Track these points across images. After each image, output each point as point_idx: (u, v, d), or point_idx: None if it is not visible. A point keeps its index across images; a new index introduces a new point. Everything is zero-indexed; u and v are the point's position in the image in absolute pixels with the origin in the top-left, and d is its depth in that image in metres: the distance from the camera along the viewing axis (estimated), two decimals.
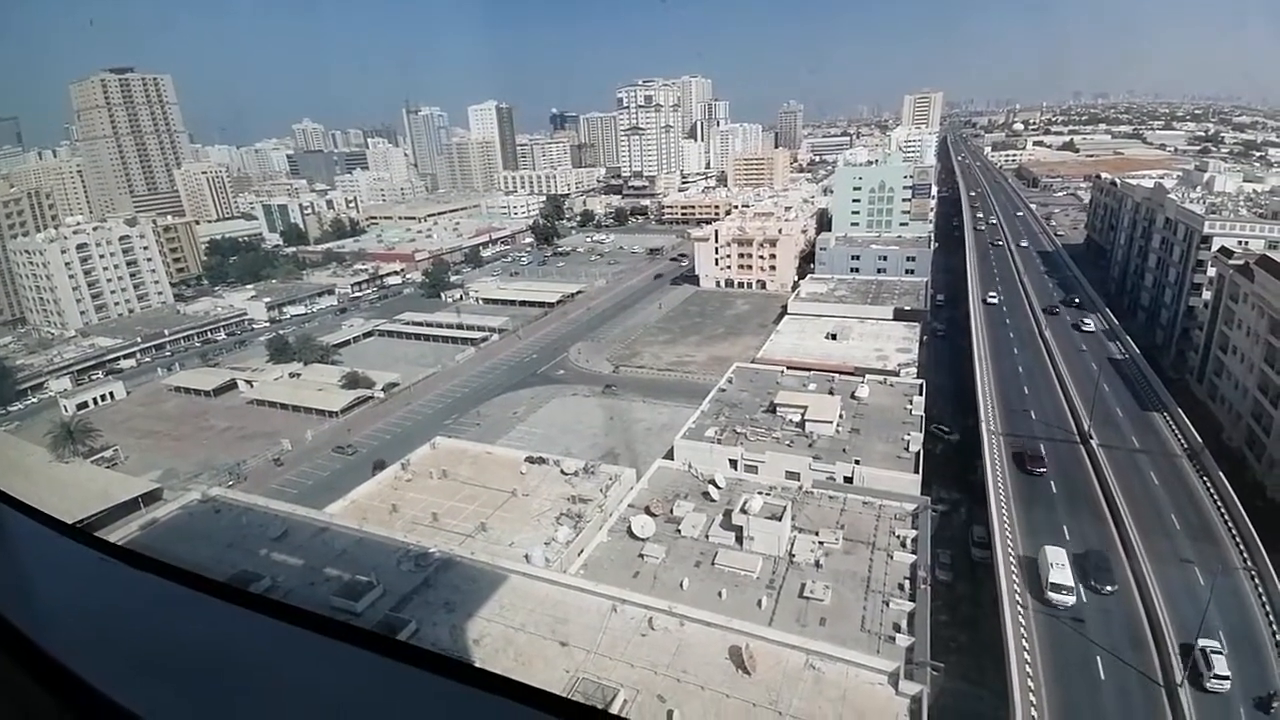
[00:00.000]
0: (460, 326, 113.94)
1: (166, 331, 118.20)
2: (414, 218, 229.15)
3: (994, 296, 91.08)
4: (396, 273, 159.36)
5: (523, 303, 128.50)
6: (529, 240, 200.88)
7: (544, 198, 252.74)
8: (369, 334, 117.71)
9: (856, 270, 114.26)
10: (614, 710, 25.26)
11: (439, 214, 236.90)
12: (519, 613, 31.10)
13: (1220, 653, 30.92)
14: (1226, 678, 30.01)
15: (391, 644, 2.10)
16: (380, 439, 77.11)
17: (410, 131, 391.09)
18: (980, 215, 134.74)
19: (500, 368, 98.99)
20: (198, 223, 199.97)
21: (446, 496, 46.77)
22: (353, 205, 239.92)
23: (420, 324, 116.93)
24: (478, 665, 2.40)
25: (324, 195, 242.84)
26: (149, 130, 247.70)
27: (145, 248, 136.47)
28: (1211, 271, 69.63)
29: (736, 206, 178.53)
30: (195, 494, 44.79)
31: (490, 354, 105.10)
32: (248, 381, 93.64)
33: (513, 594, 32.45)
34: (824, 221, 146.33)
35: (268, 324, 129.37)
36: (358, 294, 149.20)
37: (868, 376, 63.71)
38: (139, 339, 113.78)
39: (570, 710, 1.87)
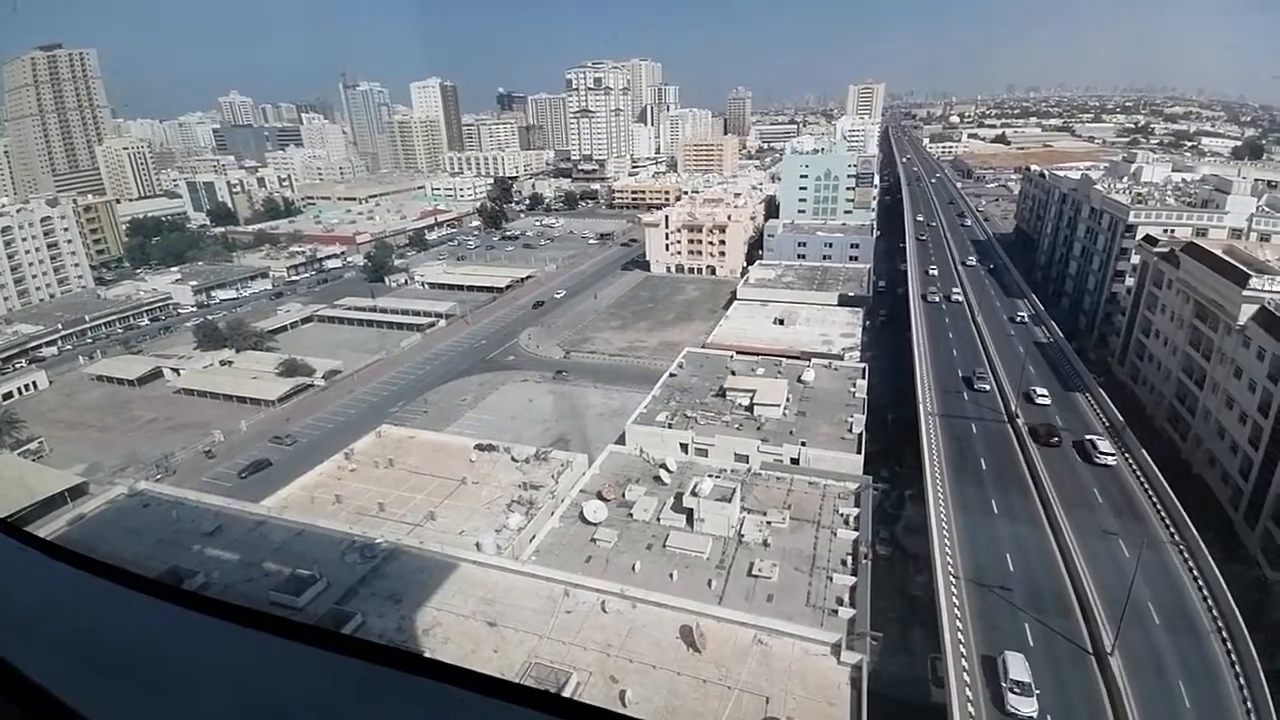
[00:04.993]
0: (405, 312, 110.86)
1: (87, 317, 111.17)
2: (354, 198, 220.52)
3: (933, 290, 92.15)
4: (336, 256, 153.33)
5: (470, 287, 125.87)
6: (476, 223, 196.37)
7: (491, 180, 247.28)
8: (308, 319, 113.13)
9: (803, 256, 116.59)
10: (566, 693, 25.41)
11: (381, 195, 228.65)
12: (470, 601, 30.84)
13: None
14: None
15: (333, 637, 2.07)
16: (321, 428, 74.52)
17: (348, 107, 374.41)
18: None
19: (448, 354, 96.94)
20: (118, 201, 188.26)
21: (393, 486, 45.75)
22: (286, 184, 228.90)
23: (363, 309, 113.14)
24: (426, 655, 2.36)
25: (254, 173, 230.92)
26: (72, 106, 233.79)
27: (66, 229, 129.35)
28: (1135, 259, 73.43)
29: (687, 192, 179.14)
30: (122, 488, 42.70)
31: (437, 340, 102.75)
32: (174, 370, 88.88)
33: (463, 582, 32.13)
34: (772, 208, 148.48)
35: (195, 309, 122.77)
36: (294, 277, 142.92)
37: (813, 360, 65.37)
38: (60, 325, 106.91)
39: (521, 695, 1.86)
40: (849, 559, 36.82)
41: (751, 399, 55.56)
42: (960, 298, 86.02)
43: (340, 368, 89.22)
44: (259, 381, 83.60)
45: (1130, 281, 74.93)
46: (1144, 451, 48.41)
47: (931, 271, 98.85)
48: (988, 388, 60.11)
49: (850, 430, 51.47)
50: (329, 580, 32.31)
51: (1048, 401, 57.38)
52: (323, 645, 2.04)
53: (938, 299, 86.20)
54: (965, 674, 30.12)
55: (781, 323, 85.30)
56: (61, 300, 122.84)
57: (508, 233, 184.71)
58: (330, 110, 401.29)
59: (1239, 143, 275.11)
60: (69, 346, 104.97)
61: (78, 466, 65.90)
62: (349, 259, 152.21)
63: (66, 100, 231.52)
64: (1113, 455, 48.60)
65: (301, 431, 73.87)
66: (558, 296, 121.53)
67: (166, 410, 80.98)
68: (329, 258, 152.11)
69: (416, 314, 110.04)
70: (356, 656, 1.99)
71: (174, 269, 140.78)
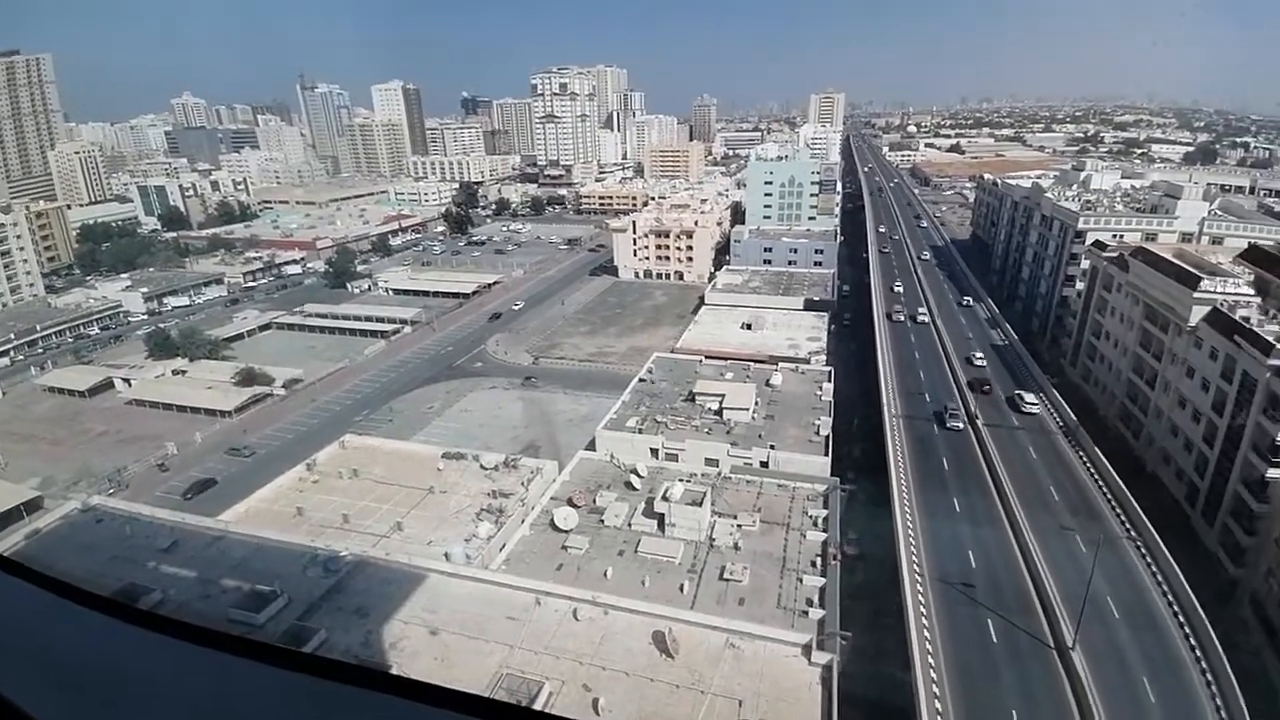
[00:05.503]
0: (369, 318, 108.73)
1: (39, 327, 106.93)
2: (314, 202, 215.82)
3: (898, 308, 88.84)
4: (296, 261, 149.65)
5: (436, 294, 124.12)
6: (441, 229, 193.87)
7: (457, 185, 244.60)
8: (266, 327, 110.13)
9: (769, 262, 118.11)
10: (538, 704, 25.08)
11: (342, 199, 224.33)
12: (438, 613, 30.25)
13: None
14: None
15: (292, 655, 2.02)
16: (281, 439, 72.50)
17: (306, 109, 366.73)
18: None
19: (414, 361, 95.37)
20: (69, 207, 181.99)
21: (358, 497, 44.69)
22: (242, 187, 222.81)
23: (324, 315, 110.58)
24: (393, 671, 2.30)
25: (207, 176, 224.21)
26: (27, 112, 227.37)
27: (19, 236, 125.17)
28: (1085, 264, 75.53)
29: (653, 198, 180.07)
30: (75, 503, 41.28)
31: (402, 347, 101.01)
32: (125, 380, 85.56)
33: (432, 594, 31.53)
34: (738, 214, 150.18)
35: (146, 316, 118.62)
36: (251, 284, 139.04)
37: (781, 364, 66.19)
38: (12, 335, 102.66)
39: (491, 710, 1.82)
40: (818, 560, 37.25)
41: (721, 403, 55.93)
42: (926, 318, 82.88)
43: (301, 376, 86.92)
44: (214, 391, 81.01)
45: (1081, 285, 77.32)
46: (1097, 449, 49.90)
47: (896, 288, 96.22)
48: (960, 425, 55.45)
49: (818, 433, 52.17)
50: (290, 596, 31.33)
51: (984, 363, 69.08)
52: (281, 664, 1.99)
53: (903, 318, 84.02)
54: None
55: (749, 327, 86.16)
56: (14, 309, 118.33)
57: (474, 238, 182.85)
58: (287, 112, 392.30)
59: (1191, 148, 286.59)
60: (21, 357, 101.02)
61: (32, 480, 63.78)
62: (309, 265, 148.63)
63: (22, 106, 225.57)
64: (1036, 405, 58.84)
65: (260, 443, 71.76)
66: (515, 308, 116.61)
67: (118, 422, 78.00)
68: (288, 263, 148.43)
69: (381, 320, 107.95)
70: (316, 674, 1.95)
71: (124, 275, 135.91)
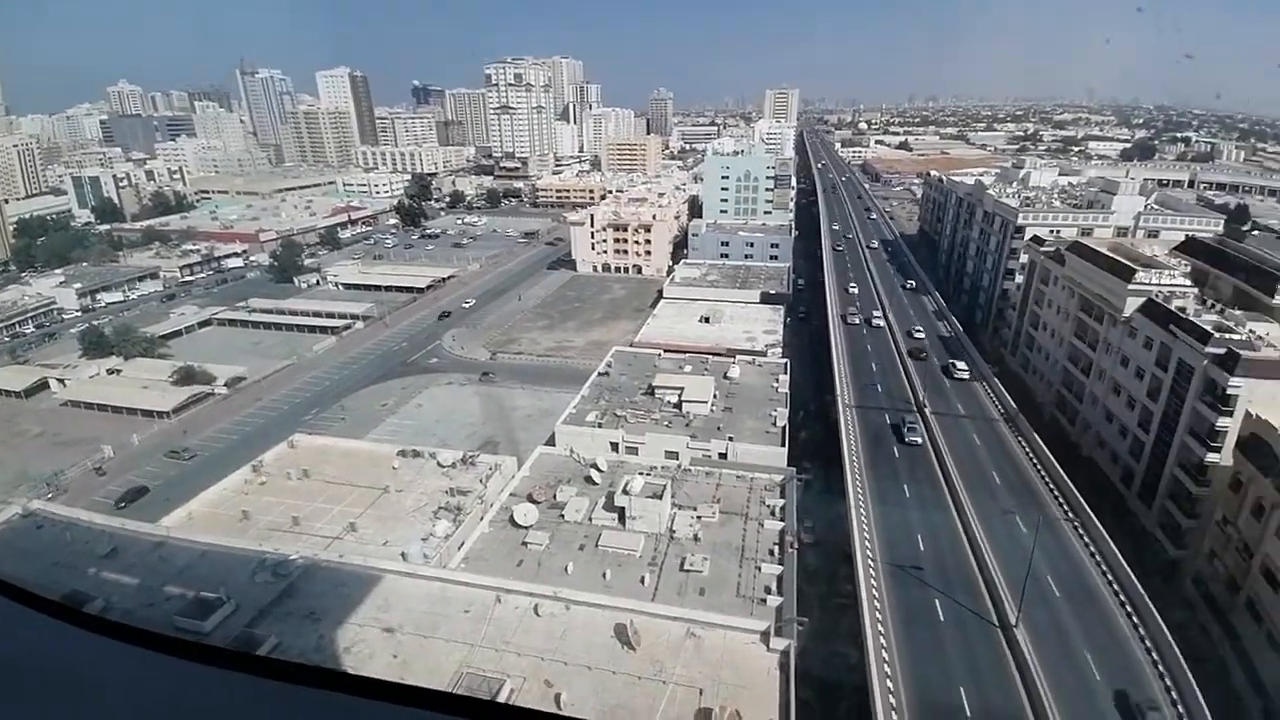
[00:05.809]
0: (318, 314, 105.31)
1: None
2: (256, 193, 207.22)
3: (853, 310, 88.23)
4: (237, 254, 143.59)
5: (389, 288, 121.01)
6: (393, 221, 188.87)
7: (409, 176, 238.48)
8: (206, 323, 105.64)
9: (726, 256, 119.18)
10: (500, 700, 24.95)
11: (287, 190, 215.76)
12: (396, 613, 29.75)
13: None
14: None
15: (246, 659, 2.01)
16: (225, 439, 69.76)
17: (247, 96, 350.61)
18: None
19: (366, 357, 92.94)
20: (6, 201, 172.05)
21: (308, 498, 43.46)
22: (178, 177, 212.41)
23: (270, 311, 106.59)
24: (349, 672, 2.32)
25: (142, 165, 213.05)
26: None
27: None
28: (1024, 258, 78.34)
29: (611, 191, 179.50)
30: (16, 508, 39.35)
31: (354, 343, 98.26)
32: (60, 380, 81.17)
33: (388, 595, 30.96)
34: (695, 208, 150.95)
35: (79, 313, 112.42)
36: (189, 278, 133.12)
37: (738, 357, 67.05)
38: None
39: (451, 704, 1.84)
40: (776, 549, 38.05)
41: (680, 396, 56.38)
42: (881, 321, 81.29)
43: (244, 374, 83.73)
44: (150, 391, 77.49)
45: (1020, 279, 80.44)
46: (1036, 435, 52.06)
47: (851, 289, 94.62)
48: (919, 440, 53.07)
49: (774, 424, 53.13)
50: (237, 603, 30.30)
51: (923, 335, 75.74)
52: (238, 668, 1.97)
53: (858, 320, 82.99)
54: None
55: (707, 320, 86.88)
56: None
57: (428, 231, 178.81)
58: (226, 99, 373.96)
59: (1128, 145, 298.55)
60: None
61: None
62: (252, 258, 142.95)
63: None
64: (966, 372, 64.91)
65: (202, 444, 68.93)
66: (466, 306, 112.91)
67: (55, 424, 74.30)
68: (228, 256, 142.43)
69: (330, 316, 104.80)
70: (278, 678, 1.94)
71: (58, 271, 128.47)
